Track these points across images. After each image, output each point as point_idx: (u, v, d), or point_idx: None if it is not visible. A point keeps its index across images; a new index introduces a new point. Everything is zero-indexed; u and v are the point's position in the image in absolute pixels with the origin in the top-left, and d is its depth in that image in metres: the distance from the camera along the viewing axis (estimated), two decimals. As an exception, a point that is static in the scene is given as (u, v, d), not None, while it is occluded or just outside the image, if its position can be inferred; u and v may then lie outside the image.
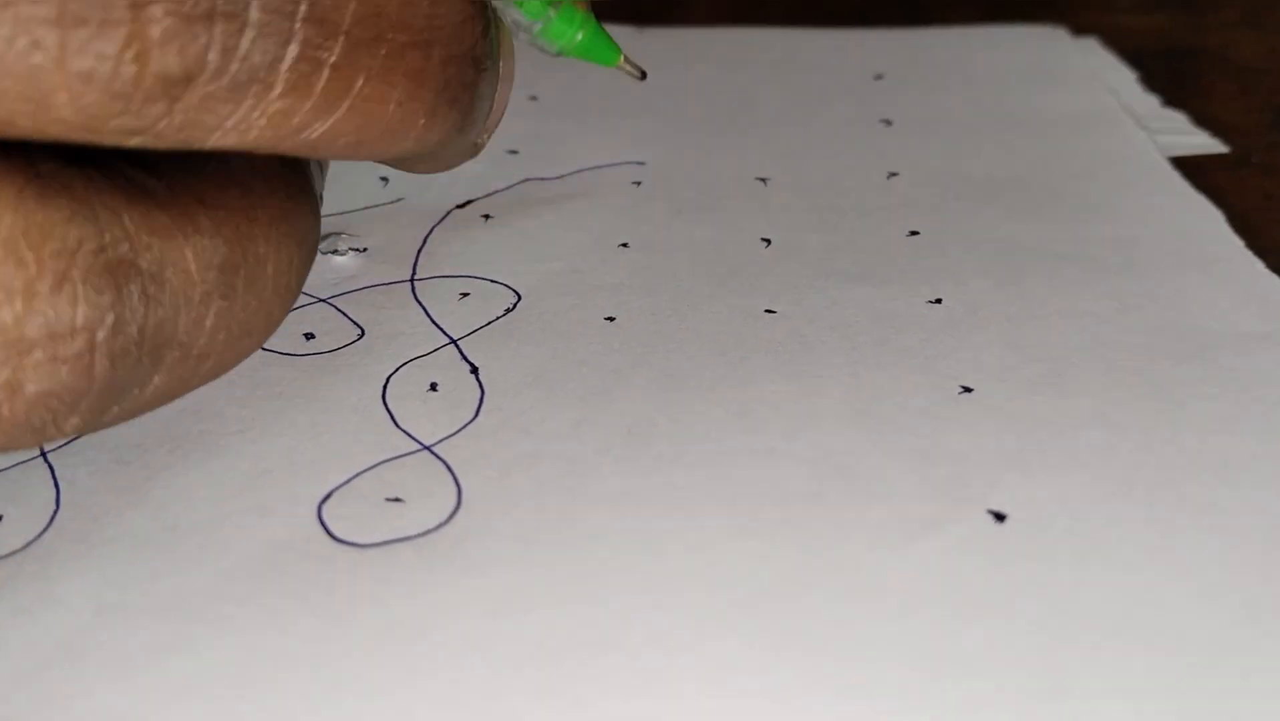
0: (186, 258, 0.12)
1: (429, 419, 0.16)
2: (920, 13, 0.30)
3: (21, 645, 0.13)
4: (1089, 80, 0.26)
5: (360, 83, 0.12)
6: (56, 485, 0.15)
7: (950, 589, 0.13)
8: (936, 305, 0.18)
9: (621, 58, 0.20)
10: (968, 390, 0.16)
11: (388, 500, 0.15)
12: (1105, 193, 0.21)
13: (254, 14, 0.11)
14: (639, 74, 0.21)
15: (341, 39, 0.12)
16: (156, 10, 0.10)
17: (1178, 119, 0.24)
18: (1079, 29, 0.29)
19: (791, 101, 0.26)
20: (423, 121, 0.13)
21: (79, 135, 0.11)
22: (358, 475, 0.15)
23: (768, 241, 0.20)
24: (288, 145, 0.12)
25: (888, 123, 0.24)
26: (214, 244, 0.13)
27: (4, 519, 0.15)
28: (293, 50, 0.11)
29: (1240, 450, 0.15)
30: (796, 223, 0.20)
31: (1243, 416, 0.16)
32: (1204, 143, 0.23)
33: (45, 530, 0.15)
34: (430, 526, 0.15)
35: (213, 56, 0.11)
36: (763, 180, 0.22)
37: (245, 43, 0.11)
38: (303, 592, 0.14)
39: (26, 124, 0.11)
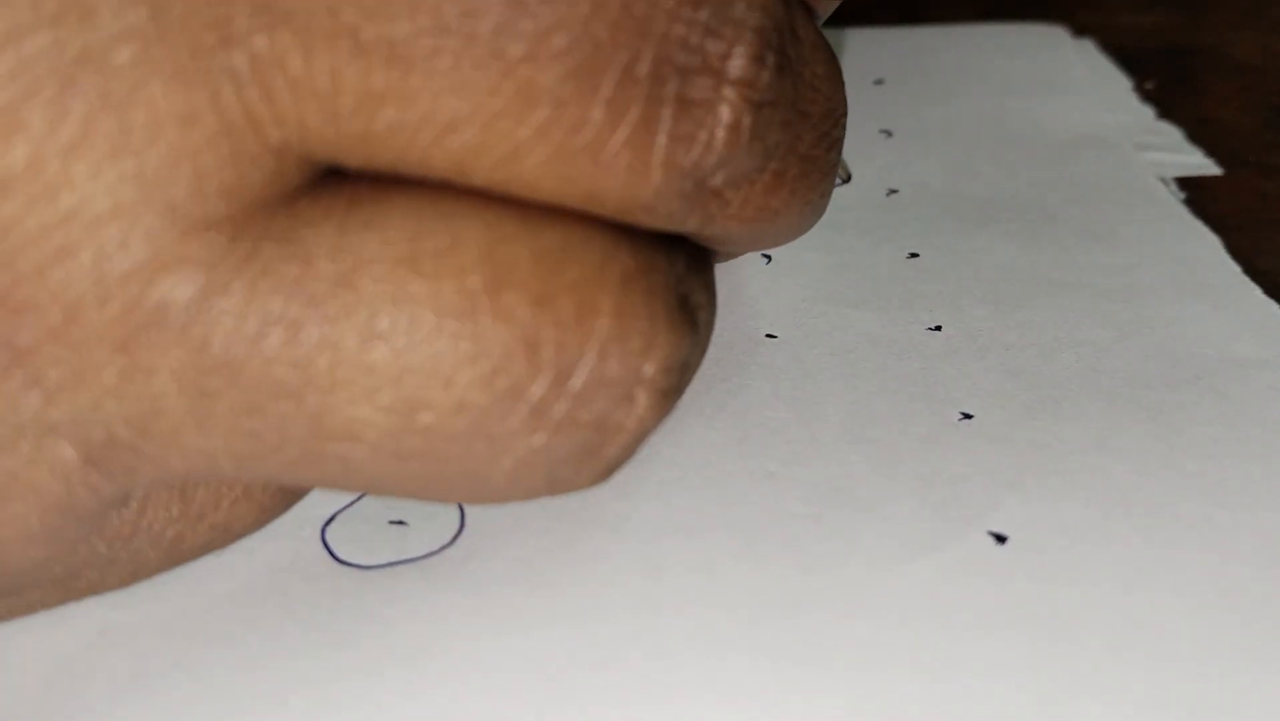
0: None
1: (432, 441, 0.16)
2: (919, 10, 0.30)
3: (25, 664, 0.13)
4: (1087, 90, 0.26)
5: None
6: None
7: (951, 609, 0.14)
8: (936, 332, 0.18)
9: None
10: (967, 416, 0.16)
11: (391, 522, 0.15)
12: (1103, 218, 0.21)
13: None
14: (845, 177, 0.22)
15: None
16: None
17: (1172, 134, 0.24)
18: (1076, 27, 0.29)
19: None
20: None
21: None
22: (361, 498, 0.15)
23: (768, 258, 0.20)
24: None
25: (888, 134, 0.24)
26: None
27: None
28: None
29: (1237, 473, 0.15)
30: (798, 240, 0.21)
31: (1239, 440, 0.16)
32: (1198, 162, 0.23)
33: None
34: (434, 548, 0.15)
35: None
36: None
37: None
38: (306, 614, 0.14)
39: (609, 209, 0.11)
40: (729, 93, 0.11)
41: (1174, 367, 0.17)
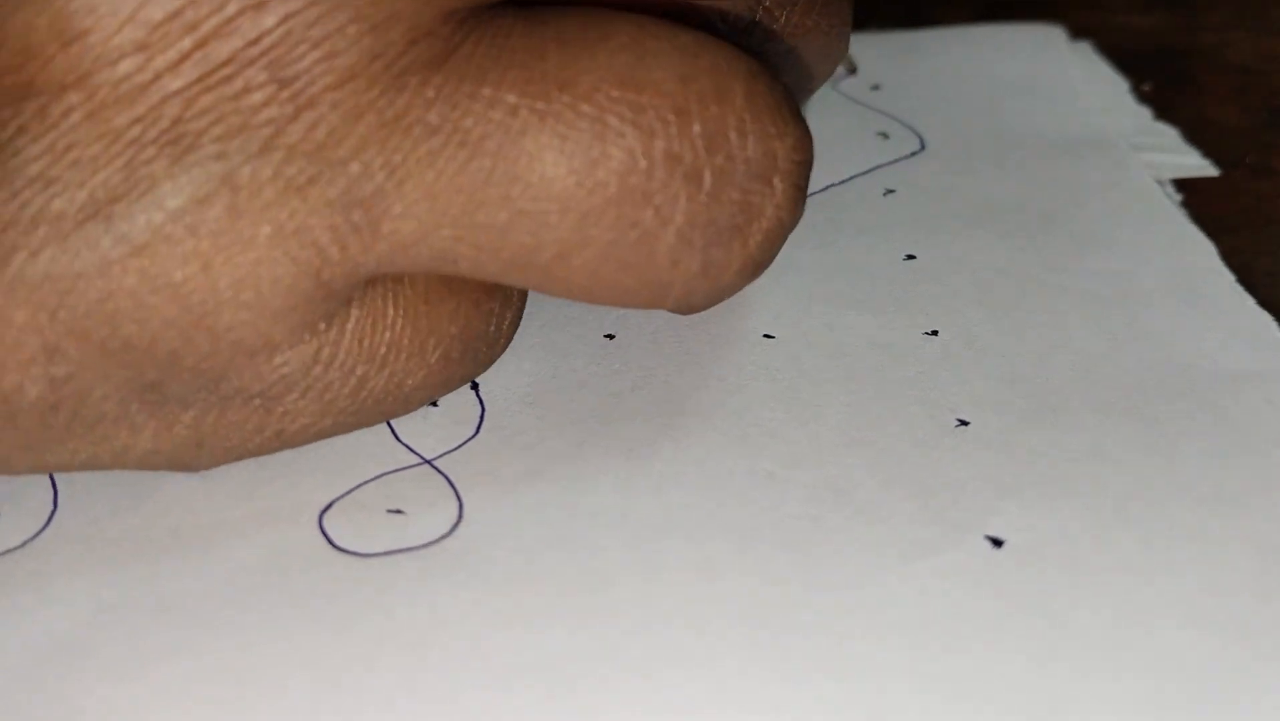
0: None
1: (430, 433, 0.16)
2: (917, 10, 0.30)
3: (20, 643, 0.13)
4: (1084, 92, 0.26)
5: None
6: (54, 484, 0.16)
7: (948, 612, 0.14)
8: (933, 337, 0.18)
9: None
10: (964, 423, 0.17)
11: (389, 511, 0.15)
12: (1100, 221, 0.21)
13: None
14: (851, 68, 0.23)
15: None
16: None
17: (1169, 134, 0.24)
18: (1073, 28, 0.29)
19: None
20: None
21: None
22: (359, 486, 0.15)
23: (766, 256, 0.20)
24: None
25: (885, 136, 0.24)
26: None
27: (1, 516, 0.15)
28: None
29: (1232, 482, 0.15)
30: (794, 238, 0.21)
31: (1233, 450, 0.16)
32: (1196, 164, 0.23)
33: (43, 529, 0.15)
34: (432, 538, 0.15)
35: None
36: None
37: None
38: (304, 598, 0.14)
39: None
40: None
41: (1169, 379, 0.17)
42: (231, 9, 0.12)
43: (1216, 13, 0.30)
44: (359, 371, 0.14)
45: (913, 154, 0.23)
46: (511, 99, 0.13)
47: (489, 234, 0.13)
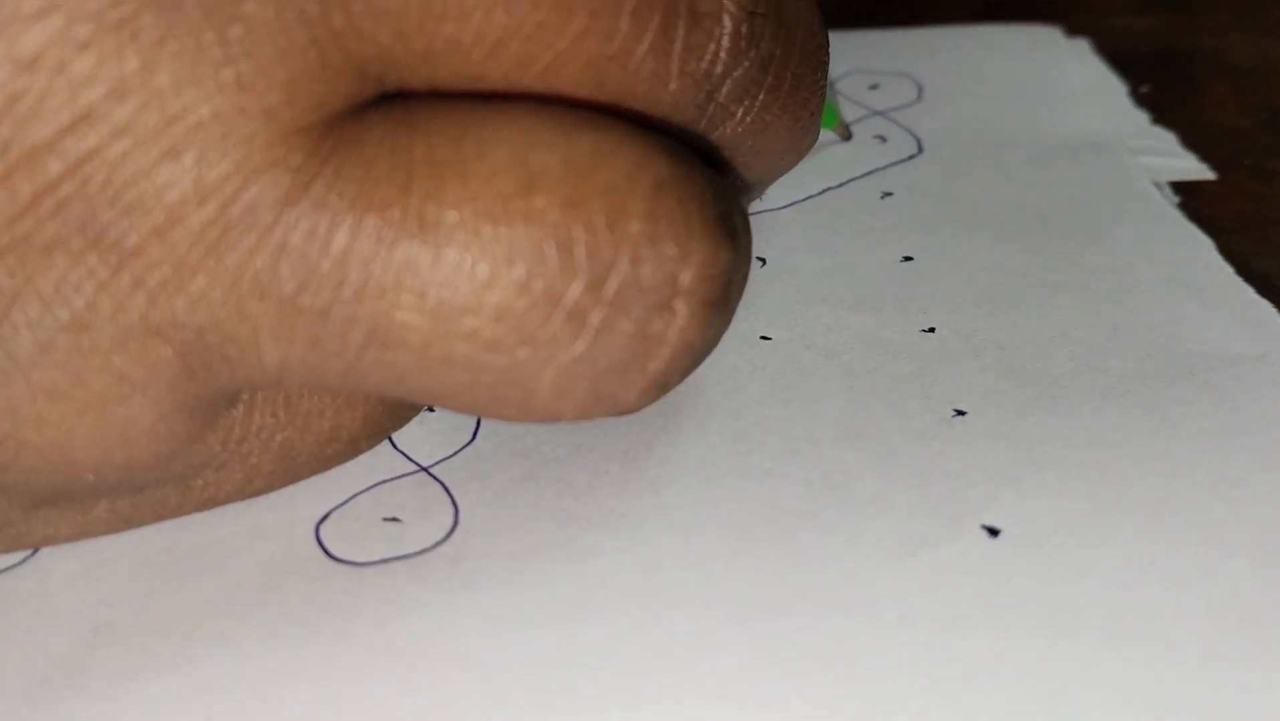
0: None
1: (426, 440, 0.16)
2: (915, 10, 0.30)
3: (18, 662, 0.13)
4: (1082, 94, 0.26)
5: None
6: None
7: (946, 602, 0.14)
8: (930, 334, 0.18)
9: (837, 120, 0.22)
10: (961, 414, 0.16)
11: (385, 520, 0.15)
12: (1097, 221, 0.21)
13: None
14: (846, 134, 0.22)
15: None
16: None
17: (1167, 138, 0.24)
18: (1071, 29, 0.29)
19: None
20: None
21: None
22: (355, 496, 0.15)
23: (763, 261, 0.20)
24: None
25: (881, 139, 0.24)
26: None
27: None
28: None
29: (1235, 464, 0.15)
30: (791, 243, 0.21)
31: (1237, 432, 0.16)
32: (1193, 167, 0.23)
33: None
34: (427, 545, 0.15)
35: None
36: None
37: None
38: (301, 611, 0.14)
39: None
40: (729, 4, 0.12)
41: (1169, 365, 0.17)
42: (14, 157, 0.11)
43: (1215, 15, 0.30)
44: (280, 438, 0.14)
45: (910, 157, 0.23)
46: (368, 242, 0.11)
47: (348, 375, 0.12)
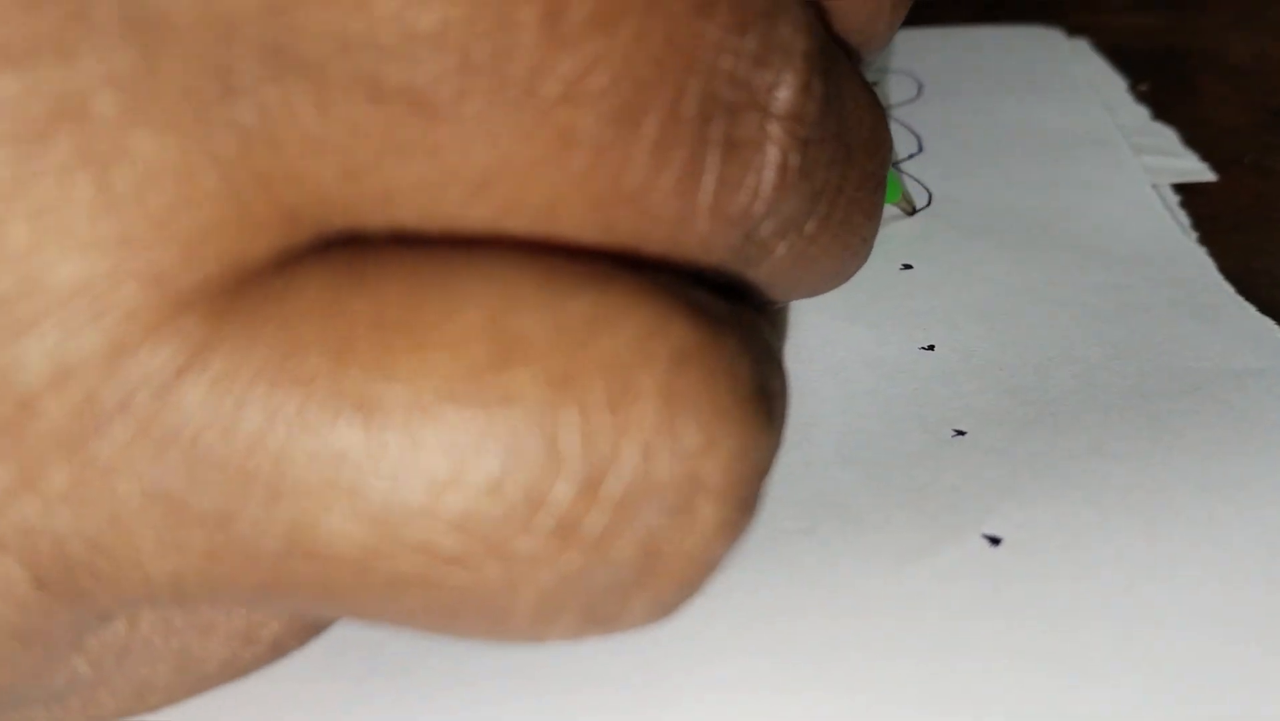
0: None
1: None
2: (914, 9, 0.30)
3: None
4: (1082, 93, 0.26)
5: None
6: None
7: (946, 610, 0.14)
8: (929, 351, 0.18)
9: (900, 194, 0.21)
10: (961, 433, 0.16)
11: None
12: (1098, 229, 0.21)
13: None
14: (910, 210, 0.21)
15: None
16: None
17: (1167, 135, 0.24)
18: (1071, 28, 0.29)
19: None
20: None
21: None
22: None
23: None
24: None
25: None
26: None
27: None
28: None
29: (1238, 470, 0.15)
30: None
31: (1240, 440, 0.16)
32: (1194, 167, 0.23)
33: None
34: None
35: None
36: None
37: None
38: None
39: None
40: (776, 130, 0.10)
41: (1171, 381, 0.17)
42: None
43: (1215, 13, 0.30)
44: (176, 644, 0.11)
45: (910, 155, 0.23)
46: (286, 426, 0.09)
47: (262, 593, 0.10)
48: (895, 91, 0.26)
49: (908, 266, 0.20)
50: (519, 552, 0.09)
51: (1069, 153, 0.23)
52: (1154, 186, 0.22)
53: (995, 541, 0.14)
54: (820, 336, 0.18)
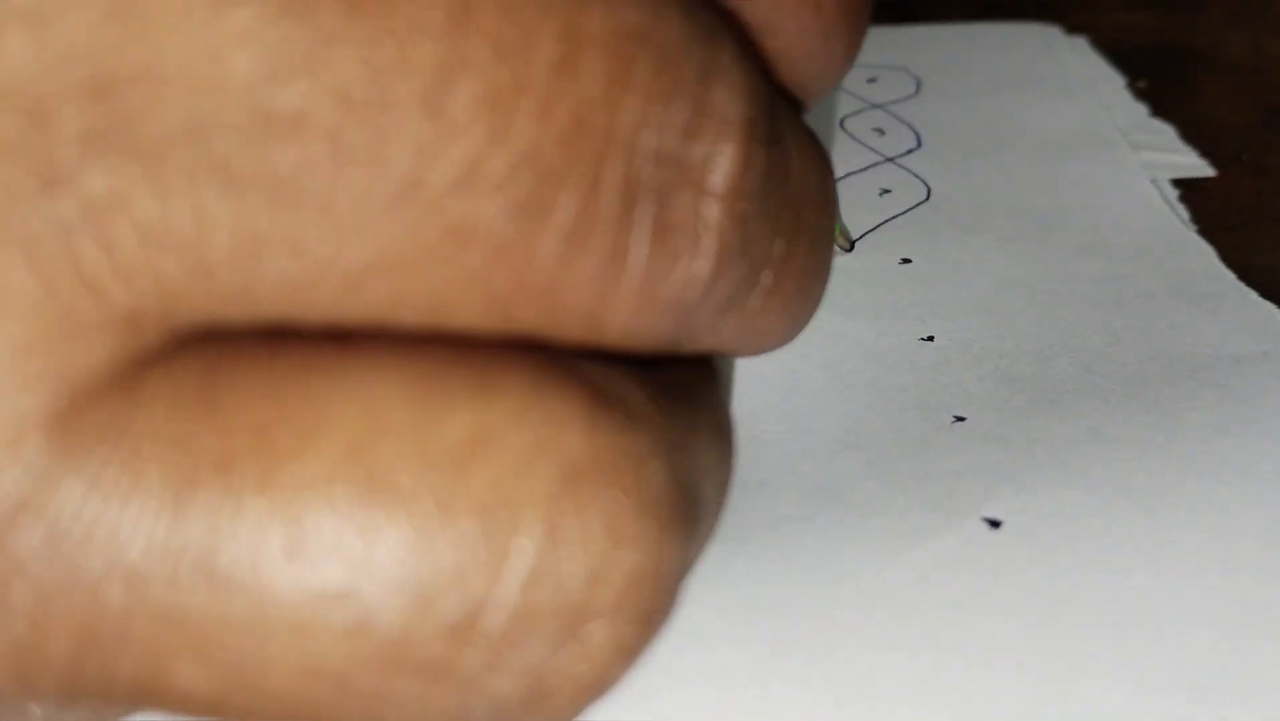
0: None
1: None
2: (912, 10, 0.30)
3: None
4: (1081, 89, 0.26)
5: None
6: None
7: (946, 595, 0.14)
8: (928, 342, 0.18)
9: (839, 229, 0.21)
10: (960, 420, 0.16)
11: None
12: (1096, 223, 0.21)
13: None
14: (848, 246, 0.21)
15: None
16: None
17: (1166, 132, 0.24)
18: (1069, 26, 0.29)
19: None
20: None
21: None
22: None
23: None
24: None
25: (880, 131, 0.24)
26: None
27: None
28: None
29: (1238, 452, 0.15)
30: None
31: (1239, 423, 0.16)
32: (1193, 163, 0.23)
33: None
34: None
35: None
36: None
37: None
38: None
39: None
40: (713, 210, 0.09)
41: (1170, 366, 0.17)
42: None
43: (1213, 11, 0.30)
44: None
45: (909, 151, 0.23)
46: (120, 581, 0.08)
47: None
48: (894, 88, 0.26)
49: (906, 261, 0.20)
50: (386, 694, 0.08)
51: (1067, 149, 0.23)
52: (1153, 182, 0.22)
53: (996, 525, 0.14)
54: (819, 332, 0.18)
